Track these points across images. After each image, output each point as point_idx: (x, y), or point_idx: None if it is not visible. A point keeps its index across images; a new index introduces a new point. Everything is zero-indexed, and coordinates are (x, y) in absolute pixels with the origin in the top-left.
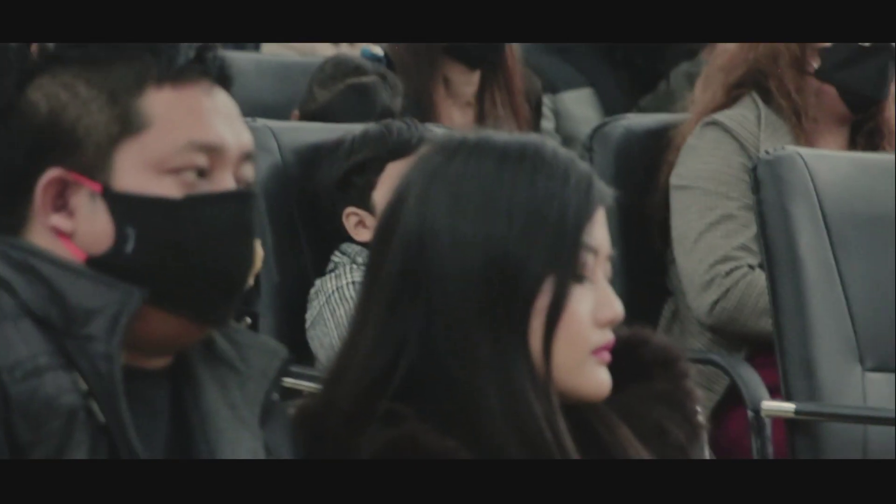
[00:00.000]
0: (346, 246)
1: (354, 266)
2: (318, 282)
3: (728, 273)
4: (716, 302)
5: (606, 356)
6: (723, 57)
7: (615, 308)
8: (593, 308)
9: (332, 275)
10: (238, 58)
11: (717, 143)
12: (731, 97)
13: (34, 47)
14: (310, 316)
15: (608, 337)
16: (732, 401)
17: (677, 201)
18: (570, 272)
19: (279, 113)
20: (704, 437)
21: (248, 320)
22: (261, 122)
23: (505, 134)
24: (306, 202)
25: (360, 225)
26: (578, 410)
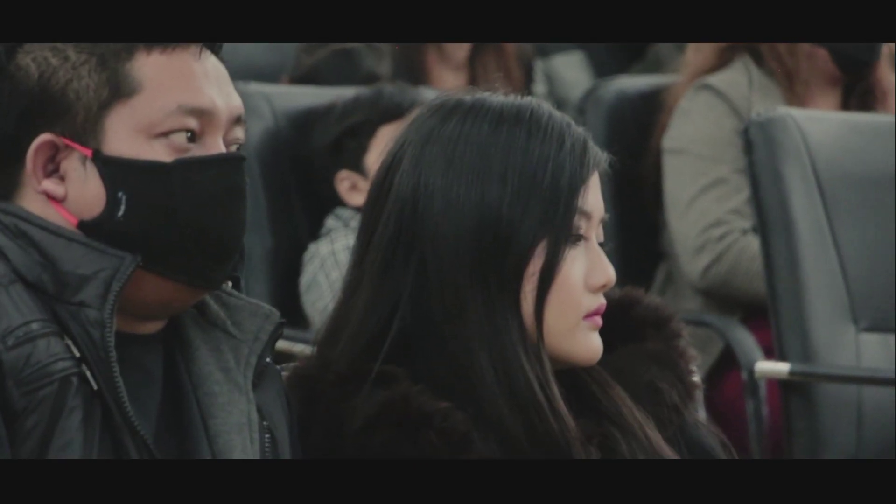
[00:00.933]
0: (339, 210)
1: (348, 230)
2: (311, 246)
3: (720, 237)
4: (708, 266)
5: (598, 321)
6: None
7: (608, 273)
8: (586, 272)
9: (326, 239)
10: None
11: (708, 107)
12: (722, 60)
13: None
14: (304, 280)
15: (600, 301)
16: (727, 363)
17: (669, 165)
18: (563, 236)
19: (272, 77)
20: (699, 396)
21: (230, 284)
22: (253, 86)
23: (501, 96)
24: (299, 166)
25: (352, 189)
26: (572, 372)
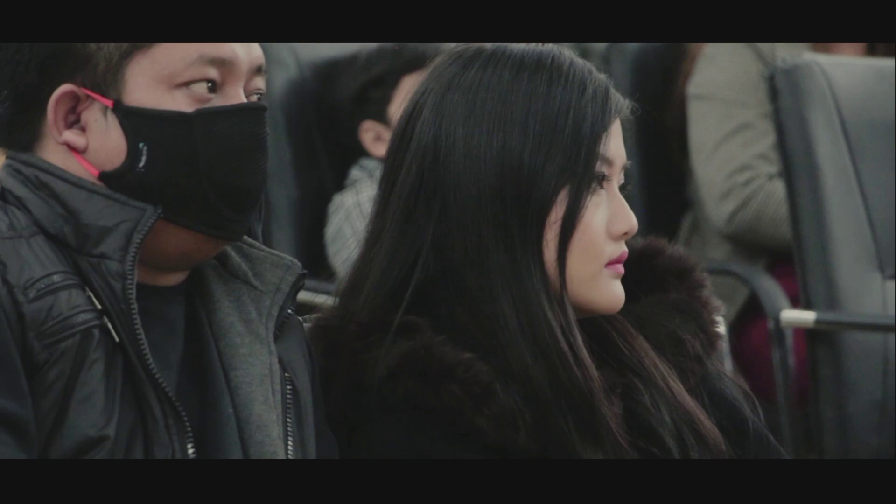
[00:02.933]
0: (364, 160)
1: (373, 180)
2: (336, 197)
3: (747, 182)
4: (735, 212)
5: (620, 269)
6: None
7: (630, 220)
8: (608, 220)
9: (352, 190)
10: None
11: (733, 52)
12: None
13: None
14: (329, 231)
15: (622, 250)
16: (753, 312)
17: (695, 110)
18: (585, 183)
19: None
20: (722, 346)
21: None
22: None
23: (521, 44)
24: (324, 117)
25: (377, 139)
26: (595, 321)
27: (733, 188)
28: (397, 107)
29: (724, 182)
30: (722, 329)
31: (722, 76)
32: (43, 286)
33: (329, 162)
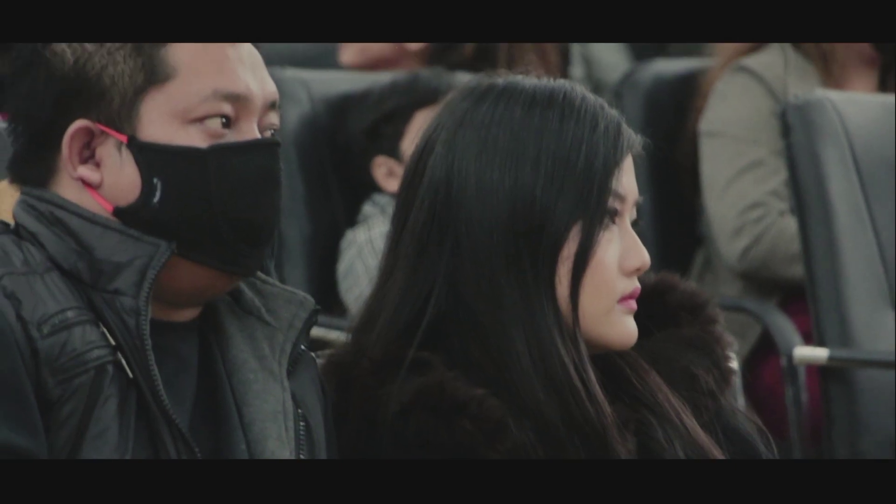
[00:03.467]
0: (376, 196)
1: (385, 216)
2: (349, 233)
3: (758, 219)
4: (747, 249)
5: (633, 305)
6: None
7: (642, 256)
8: (620, 256)
9: (364, 226)
10: None
11: (745, 89)
12: (758, 42)
13: None
14: (341, 267)
15: (635, 285)
16: (766, 348)
17: (706, 148)
18: (597, 219)
19: (309, 63)
20: (736, 382)
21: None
22: (290, 71)
23: (533, 79)
24: (337, 152)
25: (389, 175)
26: (607, 357)
27: (745, 225)
28: (410, 142)
29: (736, 219)
30: (735, 365)
31: (733, 113)
32: (57, 322)
33: (341, 197)
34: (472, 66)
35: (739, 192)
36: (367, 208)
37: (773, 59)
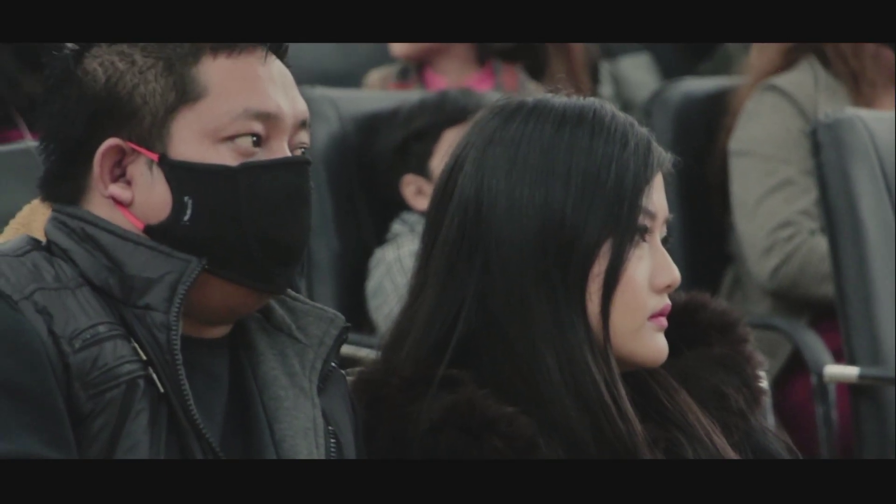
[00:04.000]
0: (405, 214)
1: (414, 235)
2: (378, 251)
3: (789, 238)
4: (777, 267)
5: (663, 322)
6: None
7: (673, 273)
8: (651, 273)
9: (393, 244)
10: None
11: (775, 108)
12: (788, 61)
13: None
14: (370, 286)
15: (665, 303)
16: (796, 367)
17: (736, 166)
18: (627, 237)
19: (338, 81)
20: (766, 401)
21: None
22: (320, 90)
23: (563, 97)
24: (365, 170)
25: (418, 193)
26: (638, 375)
27: (776, 244)
28: (439, 160)
29: (767, 238)
30: (765, 384)
31: (763, 132)
32: (88, 337)
33: (370, 215)
34: (513, 55)
35: (769, 211)
36: (396, 227)
37: (803, 78)
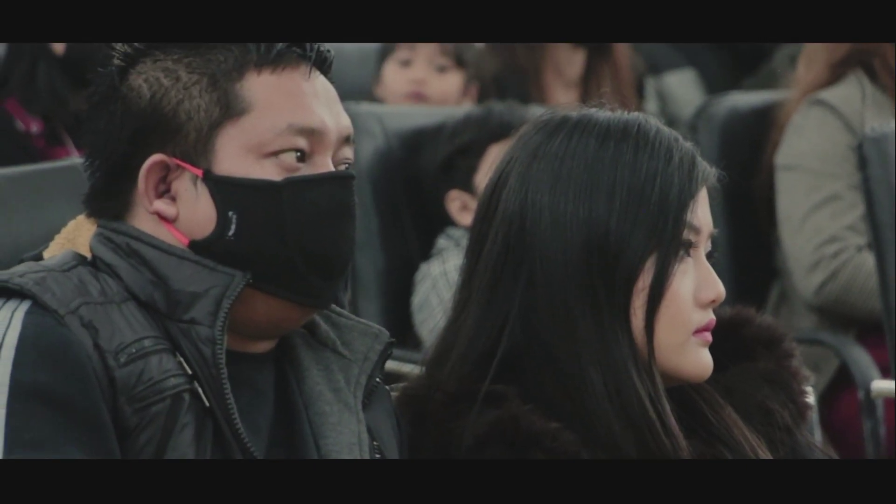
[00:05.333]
0: (450, 229)
1: (459, 249)
2: (423, 266)
3: (835, 255)
4: (823, 283)
5: (708, 337)
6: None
7: (717, 288)
8: (695, 288)
9: (438, 259)
10: (342, 44)
11: (822, 122)
12: (834, 75)
13: None
14: (416, 300)
15: (710, 317)
16: (843, 382)
17: (783, 181)
18: (672, 251)
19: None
20: (812, 417)
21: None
22: (365, 106)
23: (607, 112)
24: (411, 186)
25: (463, 208)
26: (682, 390)
27: (822, 260)
28: (483, 176)
29: (813, 254)
30: (811, 399)
31: (810, 147)
32: (134, 351)
33: (415, 231)
34: None
35: (816, 226)
36: (441, 241)
37: (850, 93)
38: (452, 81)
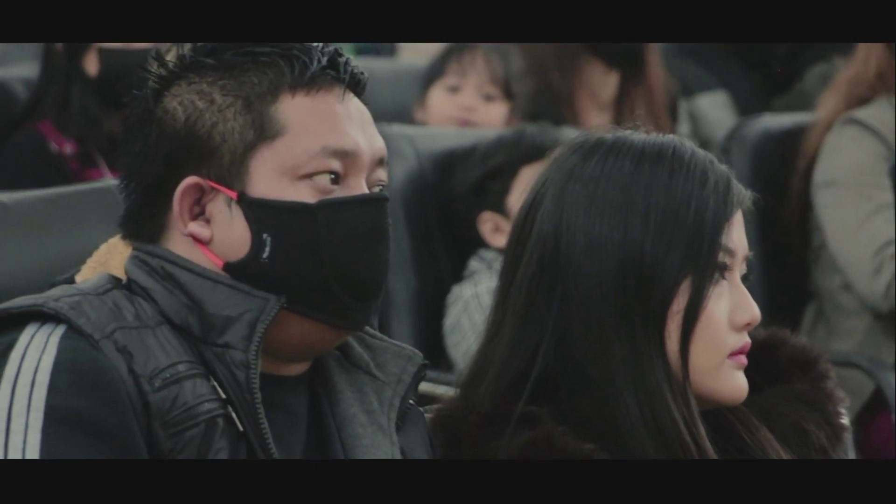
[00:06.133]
0: (482, 251)
1: (491, 272)
2: (455, 288)
3: None
4: (890, 284)
5: (743, 360)
6: (850, 69)
7: (752, 311)
8: (730, 310)
9: (470, 281)
10: (374, 65)
11: (858, 139)
12: (864, 98)
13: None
14: (447, 322)
15: (745, 340)
16: (878, 404)
17: (826, 197)
18: (707, 274)
19: (415, 119)
20: (848, 438)
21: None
22: (397, 127)
23: (642, 135)
24: (442, 207)
25: (495, 230)
26: (718, 413)
27: (884, 262)
28: (516, 198)
29: (874, 258)
30: (847, 421)
31: (849, 161)
32: (168, 375)
33: (447, 252)
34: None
35: (872, 232)
36: (474, 263)
37: (882, 112)
38: (498, 111)
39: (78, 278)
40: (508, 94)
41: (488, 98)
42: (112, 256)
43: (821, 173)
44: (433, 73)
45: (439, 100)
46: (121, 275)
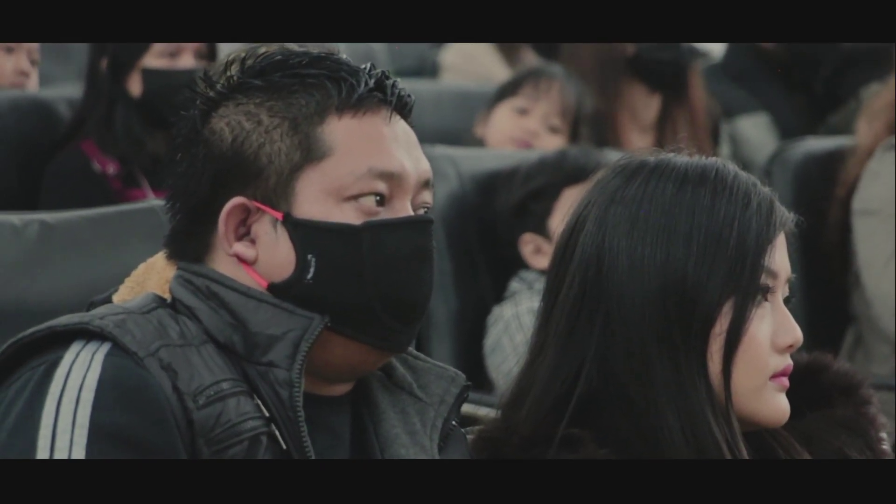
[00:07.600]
0: (523, 272)
1: (532, 292)
2: (495, 309)
3: None
4: None
5: (785, 382)
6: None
7: (795, 333)
8: (773, 332)
9: (511, 302)
10: (417, 86)
11: None
12: None
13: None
14: (488, 343)
15: (787, 362)
16: None
17: (862, 227)
18: (750, 296)
19: (458, 140)
20: None
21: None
22: (440, 149)
23: (685, 157)
24: (484, 229)
25: (537, 252)
26: (759, 436)
27: None
28: (557, 219)
29: None
30: (888, 446)
31: (888, 191)
32: (212, 393)
33: (488, 273)
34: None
35: None
36: (514, 284)
37: None
38: (558, 145)
39: (115, 298)
40: (574, 132)
41: (553, 129)
42: (150, 276)
43: (859, 200)
44: (504, 91)
45: (505, 118)
46: (167, 294)
